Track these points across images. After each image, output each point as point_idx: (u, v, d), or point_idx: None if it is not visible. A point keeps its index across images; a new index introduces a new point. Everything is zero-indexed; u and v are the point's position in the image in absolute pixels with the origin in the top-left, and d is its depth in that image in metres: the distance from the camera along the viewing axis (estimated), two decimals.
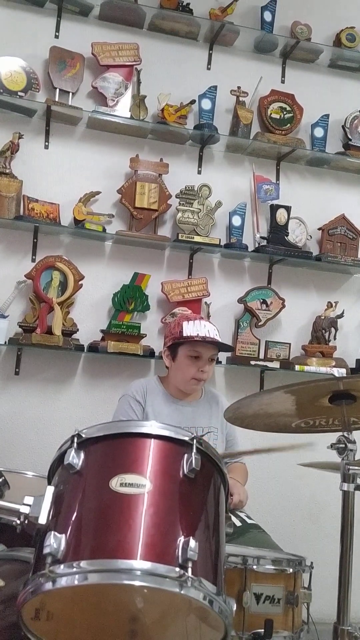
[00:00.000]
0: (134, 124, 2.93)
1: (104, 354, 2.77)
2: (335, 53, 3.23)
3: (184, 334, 2.19)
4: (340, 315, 3.14)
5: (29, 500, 1.20)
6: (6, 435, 2.80)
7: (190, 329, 2.19)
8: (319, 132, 3.19)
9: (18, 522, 1.19)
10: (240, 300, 3.03)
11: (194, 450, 1.23)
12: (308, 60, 3.26)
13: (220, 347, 2.25)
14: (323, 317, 3.13)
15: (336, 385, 1.48)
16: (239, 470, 2.34)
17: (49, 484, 1.28)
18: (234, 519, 2.10)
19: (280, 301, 3.08)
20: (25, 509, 1.19)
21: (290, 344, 3.11)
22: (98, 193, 2.91)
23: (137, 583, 1.07)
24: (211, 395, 2.40)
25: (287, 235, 3.08)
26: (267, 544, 2.00)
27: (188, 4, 3.00)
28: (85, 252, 2.92)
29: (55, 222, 2.81)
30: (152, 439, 1.25)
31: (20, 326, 2.74)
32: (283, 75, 3.24)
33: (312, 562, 1.68)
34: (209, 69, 3.14)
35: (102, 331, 2.87)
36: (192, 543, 1.09)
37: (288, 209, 3.09)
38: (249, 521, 2.14)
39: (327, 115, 3.20)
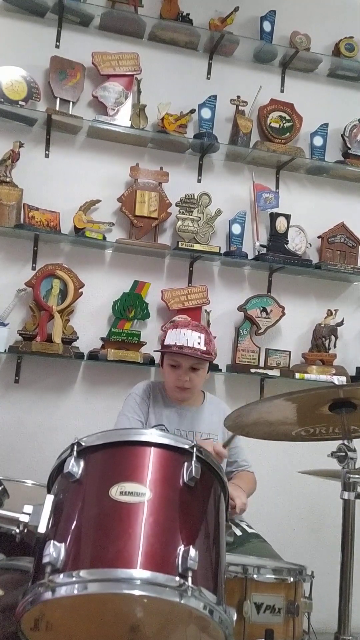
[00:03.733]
0: (134, 133, 2.94)
1: (104, 361, 2.77)
2: (334, 62, 3.25)
3: (165, 343, 2.20)
4: (340, 323, 3.14)
5: (28, 509, 1.20)
6: (6, 443, 2.79)
7: (171, 337, 2.18)
8: (318, 141, 3.21)
9: (17, 531, 1.19)
10: (240, 308, 3.04)
11: (194, 458, 1.23)
12: (307, 69, 3.28)
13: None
14: (323, 325, 3.13)
15: (336, 393, 1.47)
16: (244, 478, 2.29)
17: (49, 492, 1.27)
18: (234, 528, 2.09)
19: (280, 309, 3.09)
20: (24, 518, 1.19)
21: (290, 351, 3.11)
22: (98, 201, 2.92)
23: (136, 592, 1.06)
24: (214, 403, 2.39)
25: (286, 244, 3.09)
26: (267, 553, 1.99)
27: (188, 14, 3.02)
28: (86, 260, 2.93)
29: (56, 231, 2.82)
30: (152, 447, 1.24)
31: (20, 334, 2.74)
32: (282, 85, 3.26)
33: (312, 572, 1.67)
34: (208, 78, 3.16)
35: (102, 339, 2.87)
36: (192, 552, 1.09)
37: (288, 217, 3.10)
38: (249, 530, 2.13)
39: (327, 124, 3.22)
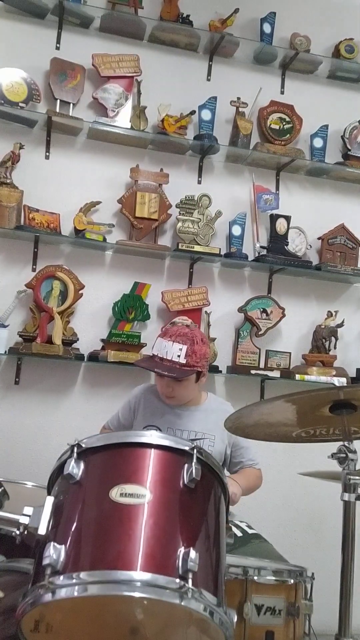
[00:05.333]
0: (135, 134, 2.94)
1: (104, 363, 2.77)
2: (334, 64, 3.26)
3: (152, 352, 2.21)
4: (341, 325, 3.14)
5: (28, 510, 1.20)
6: (6, 445, 2.79)
7: (155, 347, 2.18)
8: (318, 143, 3.21)
9: (17, 532, 1.19)
10: (241, 310, 3.04)
11: (194, 460, 1.23)
12: (307, 71, 3.28)
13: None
14: (323, 327, 3.13)
15: (337, 395, 1.48)
16: (245, 473, 2.27)
17: (49, 494, 1.27)
18: (234, 529, 2.08)
19: (281, 310, 3.09)
20: (24, 520, 1.19)
21: (290, 353, 3.11)
22: (98, 203, 2.92)
23: (137, 594, 1.06)
24: (215, 403, 2.36)
25: (287, 245, 3.09)
26: (270, 553, 1.98)
27: (188, 15, 3.02)
28: (86, 262, 2.93)
29: (56, 232, 2.82)
30: (152, 449, 1.24)
31: (20, 335, 2.74)
32: (282, 86, 3.27)
33: (313, 573, 1.66)
34: (208, 79, 3.16)
35: (102, 340, 2.87)
36: (193, 554, 1.09)
37: (288, 218, 3.10)
38: (249, 531, 2.12)
39: (326, 126, 3.22)
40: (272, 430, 1.65)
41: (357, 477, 1.43)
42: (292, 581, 1.59)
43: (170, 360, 2.11)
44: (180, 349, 2.13)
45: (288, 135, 3.17)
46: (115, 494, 1.15)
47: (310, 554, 2.90)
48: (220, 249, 2.99)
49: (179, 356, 2.12)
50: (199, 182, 3.12)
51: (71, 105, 2.90)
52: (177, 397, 2.21)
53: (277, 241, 3.07)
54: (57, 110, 2.85)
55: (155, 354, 2.16)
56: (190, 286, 3.05)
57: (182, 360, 2.11)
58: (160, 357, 2.13)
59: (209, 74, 3.16)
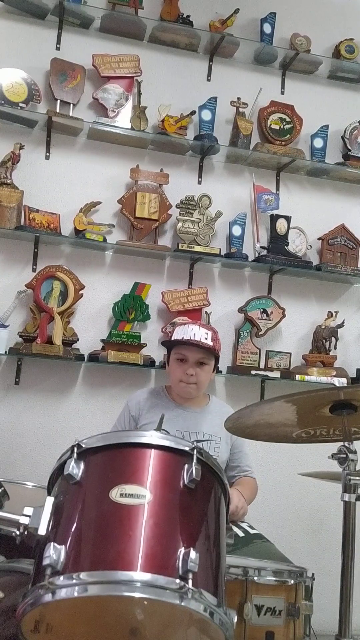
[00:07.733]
0: (135, 134, 2.95)
1: (104, 363, 2.77)
2: (335, 64, 3.26)
3: (172, 338, 2.25)
4: (341, 325, 3.14)
5: (28, 511, 1.19)
6: (6, 445, 2.79)
7: (179, 333, 2.25)
8: (318, 143, 3.21)
9: (17, 533, 1.19)
10: (241, 310, 3.04)
11: (195, 460, 1.22)
12: (307, 71, 3.28)
13: (207, 349, 2.23)
14: (323, 327, 3.13)
15: (337, 395, 1.47)
16: (245, 483, 2.30)
17: (49, 494, 1.27)
18: (235, 529, 2.08)
19: (281, 311, 3.09)
20: (24, 520, 1.19)
21: (290, 353, 3.11)
22: (99, 203, 2.92)
23: (137, 595, 1.06)
24: (219, 405, 2.40)
25: (287, 245, 3.09)
26: (272, 554, 1.98)
27: (188, 16, 3.02)
28: (86, 262, 2.93)
29: (56, 232, 2.82)
30: (153, 449, 1.24)
31: (20, 336, 2.74)
32: (282, 87, 3.27)
33: (313, 574, 1.66)
34: (209, 80, 3.16)
35: (102, 341, 2.87)
36: (193, 554, 1.09)
37: (288, 219, 3.10)
38: (251, 531, 2.12)
39: (327, 126, 3.22)
40: (272, 430, 1.65)
41: (358, 478, 1.43)
42: (292, 582, 1.59)
43: (198, 340, 2.18)
44: (207, 333, 2.23)
45: (288, 135, 3.17)
46: (115, 494, 1.15)
47: (311, 554, 2.90)
48: (220, 249, 2.99)
49: (206, 339, 2.20)
50: (199, 183, 3.12)
51: (71, 105, 2.90)
52: (197, 384, 2.24)
53: (277, 241, 3.07)
54: (57, 110, 2.86)
55: (181, 337, 2.21)
56: (190, 286, 3.05)
57: (210, 343, 2.21)
58: (187, 339, 2.19)
59: (209, 74, 3.16)
